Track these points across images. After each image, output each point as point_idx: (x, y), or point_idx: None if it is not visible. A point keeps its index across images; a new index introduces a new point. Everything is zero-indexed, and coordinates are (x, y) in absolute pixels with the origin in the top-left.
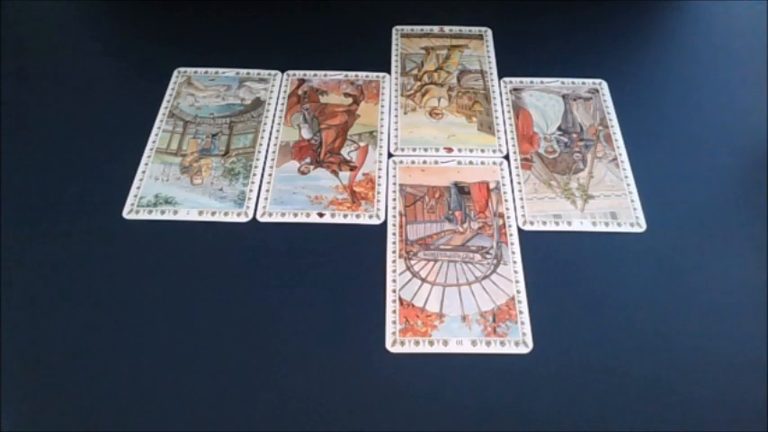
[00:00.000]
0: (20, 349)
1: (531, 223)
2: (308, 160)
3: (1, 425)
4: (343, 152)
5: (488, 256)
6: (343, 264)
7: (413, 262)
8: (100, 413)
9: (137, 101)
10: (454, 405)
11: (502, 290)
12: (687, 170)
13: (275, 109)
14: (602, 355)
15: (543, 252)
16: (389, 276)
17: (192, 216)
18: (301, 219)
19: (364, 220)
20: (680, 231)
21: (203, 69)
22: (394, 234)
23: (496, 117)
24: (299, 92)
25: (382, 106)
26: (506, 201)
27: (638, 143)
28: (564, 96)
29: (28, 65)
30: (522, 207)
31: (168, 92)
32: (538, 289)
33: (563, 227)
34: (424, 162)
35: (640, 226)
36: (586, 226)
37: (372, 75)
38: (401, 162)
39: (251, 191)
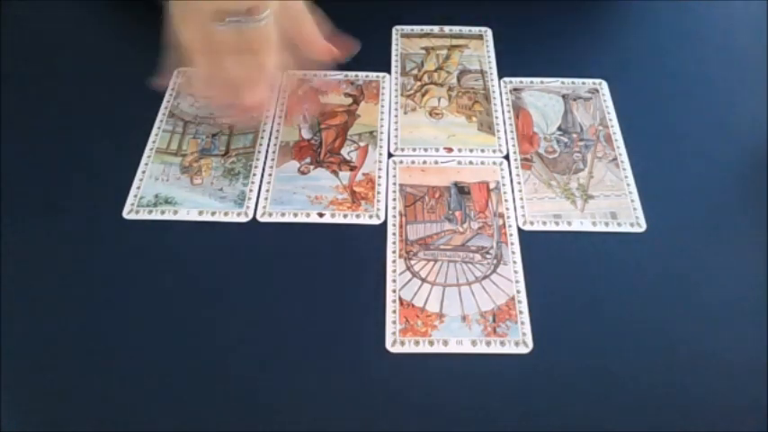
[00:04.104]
0: (20, 349)
1: (531, 223)
2: (308, 160)
3: (1, 425)
4: (343, 152)
5: (488, 256)
6: (343, 264)
7: (413, 262)
8: (100, 413)
9: (137, 101)
10: (454, 405)
11: (502, 290)
12: (687, 170)
13: (275, 109)
14: (602, 355)
15: (543, 252)
16: (389, 276)
17: (192, 216)
18: (301, 219)
19: (364, 220)
20: (680, 231)
21: None
22: (394, 234)
23: (496, 117)
24: (299, 92)
25: (382, 106)
26: (506, 201)
27: (638, 143)
28: (564, 96)
29: (28, 65)
30: (522, 207)
31: (168, 92)
32: (538, 289)
33: (563, 227)
34: (424, 162)
35: (640, 226)
36: (586, 226)
37: (372, 75)
38: (401, 162)
39: (251, 191)
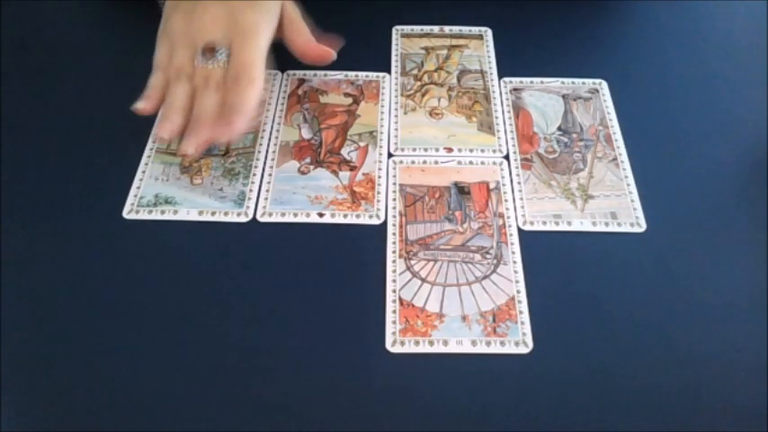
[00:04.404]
0: (20, 349)
1: (531, 223)
2: (308, 160)
3: (1, 425)
4: (343, 152)
5: (488, 256)
6: (343, 264)
7: (413, 262)
8: (100, 413)
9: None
10: (454, 405)
11: (502, 290)
12: (687, 170)
13: (275, 109)
14: (602, 355)
15: (543, 252)
16: (389, 276)
17: (192, 216)
18: (301, 219)
19: (364, 220)
20: (680, 231)
21: None
22: (394, 234)
23: (496, 117)
24: (299, 92)
25: (382, 106)
26: (506, 201)
27: (638, 143)
28: (564, 96)
29: (28, 65)
30: (522, 207)
31: None
32: (538, 289)
33: (563, 227)
34: (424, 162)
35: (640, 226)
36: (586, 226)
37: (372, 75)
38: (401, 162)
39: (251, 191)
